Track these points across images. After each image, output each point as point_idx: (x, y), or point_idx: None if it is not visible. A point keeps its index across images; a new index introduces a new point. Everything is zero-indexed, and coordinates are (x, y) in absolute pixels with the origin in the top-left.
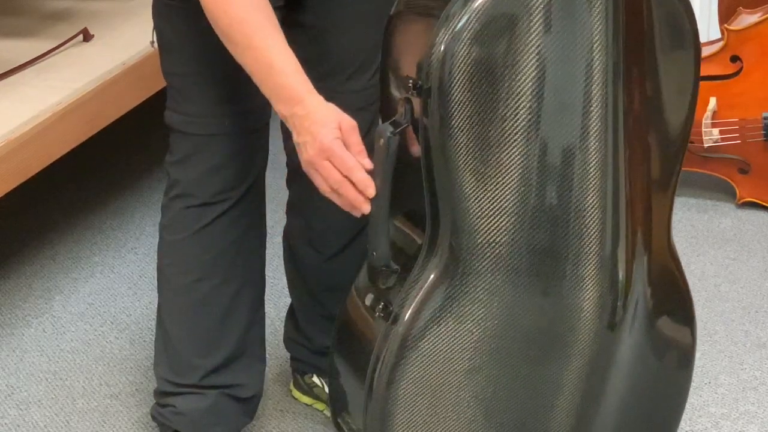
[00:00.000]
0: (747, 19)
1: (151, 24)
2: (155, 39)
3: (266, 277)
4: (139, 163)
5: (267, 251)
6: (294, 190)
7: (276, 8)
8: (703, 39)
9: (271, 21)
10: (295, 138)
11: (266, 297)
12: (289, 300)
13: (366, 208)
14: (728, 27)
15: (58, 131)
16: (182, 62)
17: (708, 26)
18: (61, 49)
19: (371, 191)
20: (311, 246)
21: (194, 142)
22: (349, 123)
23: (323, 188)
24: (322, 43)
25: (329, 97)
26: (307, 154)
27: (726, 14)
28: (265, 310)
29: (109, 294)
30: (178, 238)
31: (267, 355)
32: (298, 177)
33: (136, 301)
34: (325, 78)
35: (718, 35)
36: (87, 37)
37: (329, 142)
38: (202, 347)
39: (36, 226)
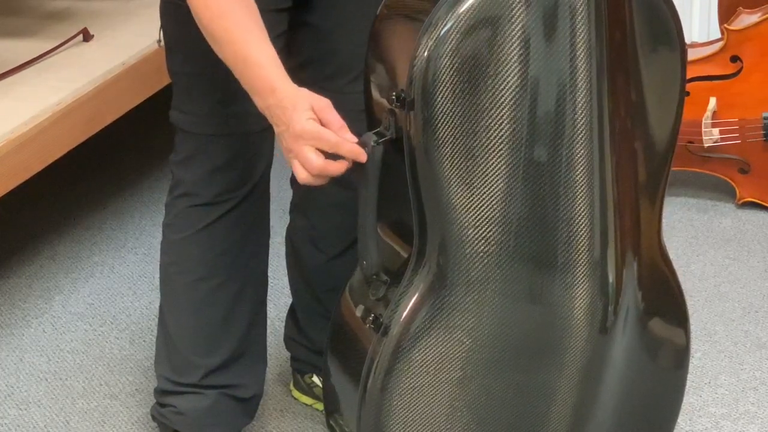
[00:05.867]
0: (747, 19)
1: (150, 24)
2: (161, 38)
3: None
4: (139, 163)
5: None
6: (298, 189)
7: (284, 10)
8: (703, 39)
9: (253, 17)
10: (275, 129)
11: (267, 297)
12: (289, 300)
13: (363, 158)
14: (728, 27)
15: (57, 131)
16: (188, 62)
17: (708, 26)
18: (61, 49)
19: (363, 158)
20: (314, 246)
21: (198, 141)
22: (320, 103)
23: (301, 177)
24: (329, 43)
25: (335, 98)
26: (285, 142)
27: (726, 14)
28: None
29: (109, 294)
30: (181, 237)
31: (267, 355)
32: None
33: (136, 301)
34: (332, 78)
35: (718, 35)
36: (87, 37)
37: (302, 125)
38: (203, 346)
39: (36, 226)
